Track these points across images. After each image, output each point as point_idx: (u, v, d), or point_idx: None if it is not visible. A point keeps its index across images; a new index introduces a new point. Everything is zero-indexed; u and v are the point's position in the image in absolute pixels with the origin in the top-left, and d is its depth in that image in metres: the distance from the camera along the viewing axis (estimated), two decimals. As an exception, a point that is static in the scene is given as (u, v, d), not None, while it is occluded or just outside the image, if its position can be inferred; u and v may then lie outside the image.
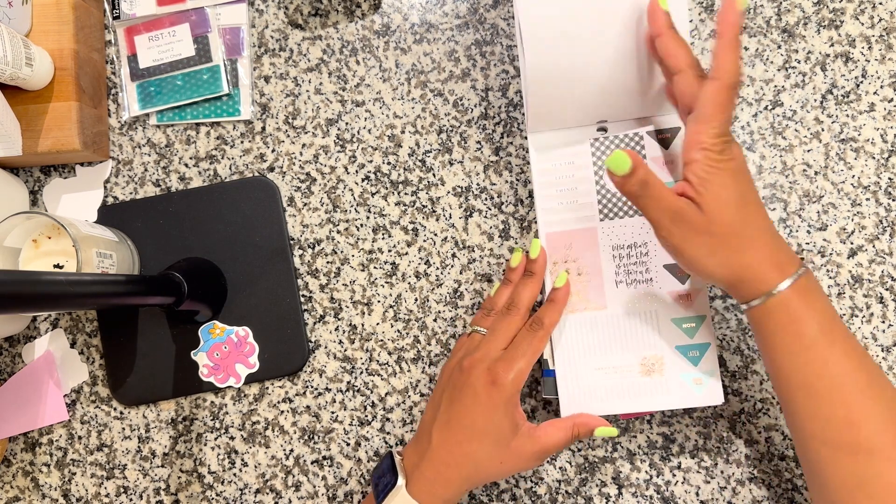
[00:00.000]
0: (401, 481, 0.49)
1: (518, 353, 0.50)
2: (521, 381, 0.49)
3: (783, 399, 0.46)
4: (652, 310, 0.54)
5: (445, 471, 0.49)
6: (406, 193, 0.62)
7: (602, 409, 0.53)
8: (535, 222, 0.61)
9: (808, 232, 0.59)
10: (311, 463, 0.61)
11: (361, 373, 0.62)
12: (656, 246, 0.54)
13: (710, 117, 0.44)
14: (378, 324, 0.62)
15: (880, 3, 0.60)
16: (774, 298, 0.44)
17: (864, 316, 0.58)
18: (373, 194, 0.63)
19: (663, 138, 0.55)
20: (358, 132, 0.63)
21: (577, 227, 0.55)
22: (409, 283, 0.62)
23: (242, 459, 0.62)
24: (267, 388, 0.62)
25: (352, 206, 0.63)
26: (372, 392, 0.61)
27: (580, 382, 0.53)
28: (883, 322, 0.58)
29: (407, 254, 0.62)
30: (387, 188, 0.63)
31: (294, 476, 0.62)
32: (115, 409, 0.63)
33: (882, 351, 0.58)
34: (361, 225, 0.63)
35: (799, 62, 0.60)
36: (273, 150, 0.64)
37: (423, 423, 0.53)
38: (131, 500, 0.62)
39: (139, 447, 0.63)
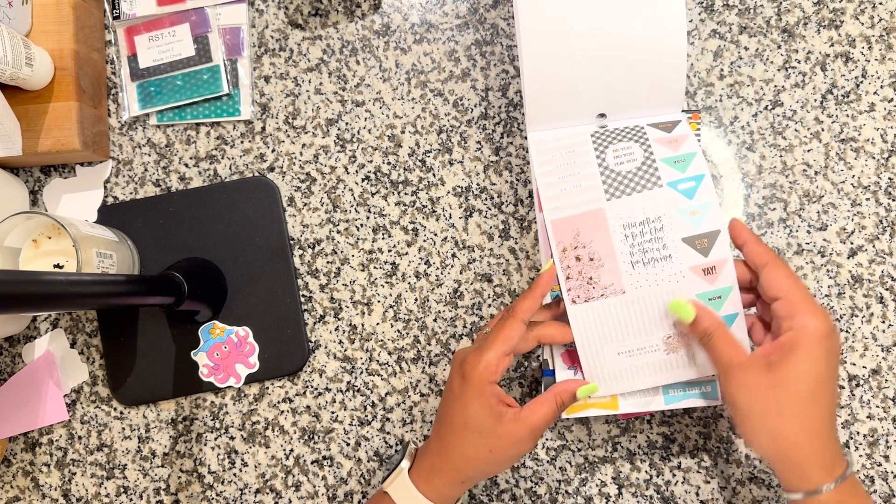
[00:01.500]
0: (404, 464, 0.51)
1: (486, 343, 0.49)
2: (489, 370, 0.48)
3: None
4: (674, 288, 0.51)
5: (438, 461, 0.50)
6: (406, 193, 0.62)
7: (625, 388, 0.52)
8: (535, 222, 0.61)
9: (808, 232, 0.59)
10: (311, 463, 0.61)
11: (361, 373, 0.62)
12: (671, 219, 0.51)
13: (792, 288, 0.46)
14: (378, 324, 0.62)
15: (880, 3, 0.60)
16: (813, 499, 0.44)
17: (864, 316, 0.58)
18: (373, 194, 0.63)
19: (664, 129, 0.54)
20: (358, 132, 0.63)
21: (583, 210, 0.52)
22: (409, 283, 0.62)
23: (242, 459, 0.62)
24: (267, 388, 0.62)
25: (352, 206, 0.63)
26: (372, 392, 0.61)
27: (604, 370, 0.52)
28: (883, 322, 0.58)
29: (407, 254, 0.62)
30: (387, 188, 0.63)
31: (294, 476, 0.62)
32: (115, 409, 0.63)
33: (882, 351, 0.58)
34: (361, 225, 0.63)
35: (799, 62, 0.60)
36: (273, 150, 0.64)
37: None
38: (131, 500, 0.62)
39: (139, 447, 0.63)
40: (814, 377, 0.44)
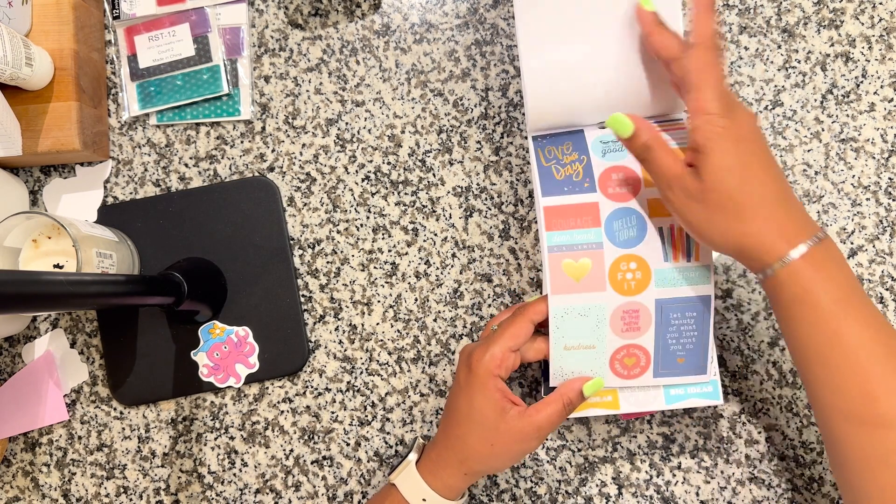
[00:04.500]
0: (411, 456, 0.52)
1: (493, 337, 0.49)
2: (494, 363, 0.48)
3: (801, 371, 0.46)
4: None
5: (444, 453, 0.51)
6: (406, 193, 0.62)
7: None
8: (535, 222, 0.61)
9: (808, 232, 0.59)
10: (311, 463, 0.61)
11: (361, 373, 0.62)
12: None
13: (700, 82, 0.44)
14: (378, 324, 0.62)
15: (880, 3, 0.60)
16: (784, 269, 0.43)
17: (864, 316, 0.58)
18: (373, 194, 0.63)
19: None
20: (358, 132, 0.63)
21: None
22: (409, 283, 0.62)
23: (242, 459, 0.62)
24: (267, 388, 0.62)
25: (352, 206, 0.63)
26: (372, 392, 0.61)
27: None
28: (883, 322, 0.58)
29: (407, 254, 0.62)
30: (387, 188, 0.63)
31: (294, 476, 0.62)
32: (115, 409, 0.63)
33: (882, 351, 0.58)
34: (361, 225, 0.63)
35: (799, 62, 0.60)
36: (273, 150, 0.64)
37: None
38: (131, 500, 0.62)
39: (139, 447, 0.63)
40: (735, 168, 0.43)
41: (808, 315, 0.44)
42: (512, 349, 0.49)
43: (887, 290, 0.58)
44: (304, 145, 0.63)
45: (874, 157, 0.59)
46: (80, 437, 0.63)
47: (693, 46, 0.45)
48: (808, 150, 0.60)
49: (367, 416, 0.61)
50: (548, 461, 0.60)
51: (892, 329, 0.44)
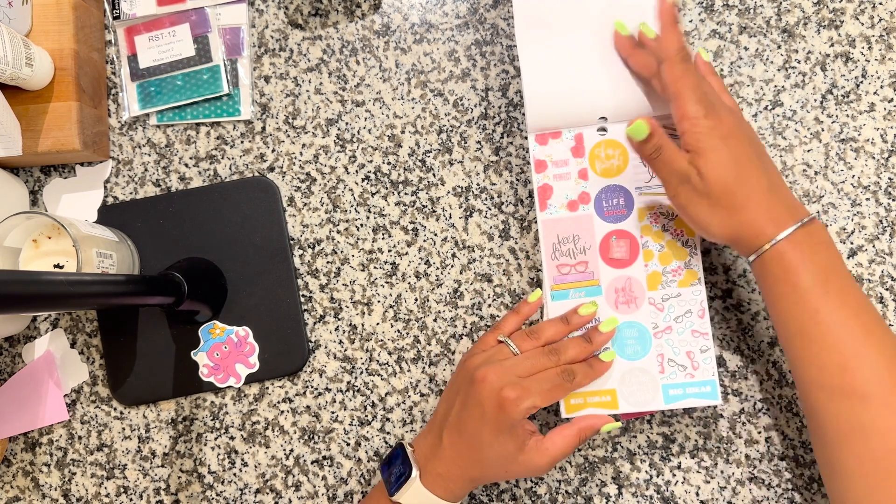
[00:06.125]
0: (415, 473, 0.51)
1: (535, 388, 0.49)
2: (528, 413, 0.49)
3: (784, 348, 0.49)
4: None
5: (454, 468, 0.50)
6: (406, 193, 0.62)
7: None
8: (535, 222, 0.61)
9: (808, 232, 0.59)
10: (311, 463, 0.61)
11: (361, 373, 0.62)
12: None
13: (678, 91, 0.48)
14: (378, 324, 0.62)
15: (880, 3, 0.60)
16: (769, 251, 0.46)
17: (864, 316, 0.58)
18: (373, 194, 0.63)
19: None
20: (358, 132, 0.63)
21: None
22: (409, 283, 0.62)
23: (242, 459, 0.62)
24: (267, 388, 0.62)
25: (352, 206, 0.63)
26: (372, 392, 0.61)
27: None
28: (883, 322, 0.58)
29: (407, 254, 0.62)
30: (387, 188, 0.63)
31: (294, 476, 0.62)
32: (115, 409, 0.63)
33: (882, 351, 0.58)
34: (361, 225, 0.63)
35: (799, 62, 0.60)
36: (273, 150, 0.64)
37: (436, 416, 0.54)
38: (131, 500, 0.62)
39: (139, 447, 0.63)
40: (729, 163, 0.47)
41: (790, 293, 0.47)
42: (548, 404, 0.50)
43: (887, 289, 0.58)
44: (304, 145, 0.63)
45: (874, 157, 0.59)
46: (80, 437, 0.63)
47: (665, 62, 0.48)
48: (808, 150, 0.60)
49: (367, 416, 0.61)
50: (548, 461, 0.60)
51: (872, 308, 0.46)
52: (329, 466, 0.61)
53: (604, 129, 0.56)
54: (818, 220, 0.47)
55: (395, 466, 0.52)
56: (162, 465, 0.62)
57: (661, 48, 0.49)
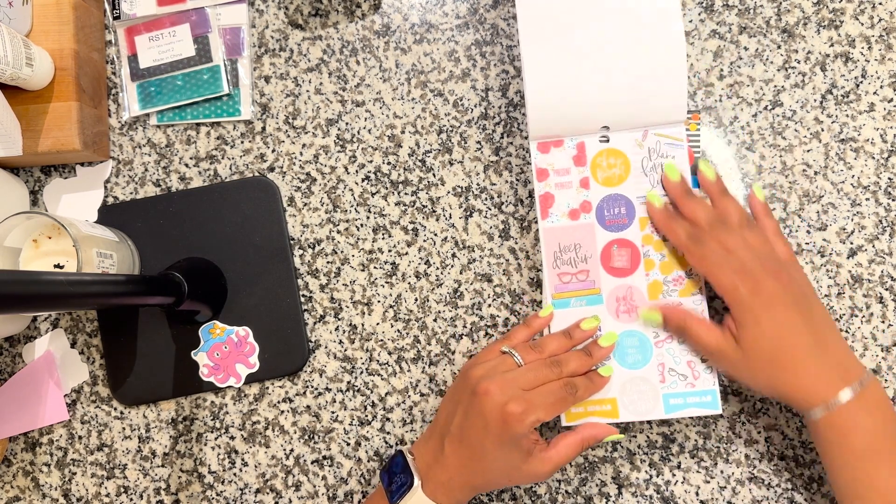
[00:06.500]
0: (417, 482, 0.50)
1: (539, 401, 0.49)
2: (533, 426, 0.49)
3: None
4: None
5: (457, 477, 0.50)
6: (406, 193, 0.62)
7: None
8: (535, 222, 0.61)
9: (808, 232, 0.59)
10: (311, 463, 0.61)
11: (361, 373, 0.62)
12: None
13: (706, 272, 0.50)
14: (378, 324, 0.62)
15: (880, 3, 0.60)
16: (825, 415, 0.47)
17: (863, 316, 0.58)
18: (373, 194, 0.63)
19: None
20: (358, 132, 0.63)
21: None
22: (409, 283, 0.62)
23: (242, 459, 0.62)
24: (267, 387, 0.62)
25: (352, 206, 0.63)
26: (372, 392, 0.61)
27: None
28: (883, 322, 0.58)
29: (407, 254, 0.62)
30: (387, 188, 0.63)
31: (294, 476, 0.62)
32: (115, 408, 0.63)
33: (882, 351, 0.58)
34: (361, 225, 0.63)
35: (799, 62, 0.60)
36: (273, 150, 0.64)
37: (437, 422, 0.53)
38: (131, 499, 0.62)
39: (139, 447, 0.63)
40: (769, 333, 0.48)
41: (844, 457, 0.47)
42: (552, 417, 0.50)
43: (887, 289, 0.58)
44: (304, 145, 0.63)
45: (874, 157, 0.59)
46: (80, 437, 0.63)
47: (688, 243, 0.51)
48: (808, 150, 0.60)
49: (367, 415, 0.61)
50: (548, 461, 0.60)
51: None
52: (329, 466, 0.61)
53: (606, 138, 0.56)
54: (873, 378, 0.47)
55: (397, 476, 0.52)
56: (162, 465, 0.62)
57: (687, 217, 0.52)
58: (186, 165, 0.64)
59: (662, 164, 0.55)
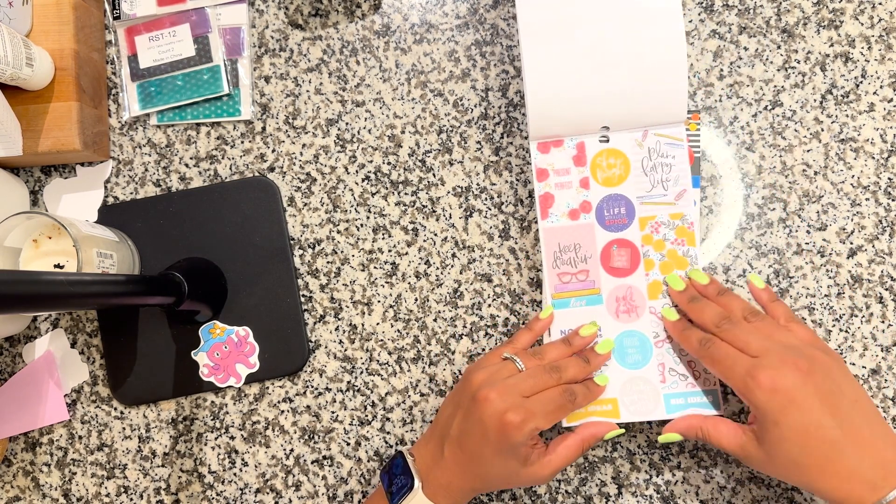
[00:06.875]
0: (418, 484, 0.51)
1: (539, 409, 0.49)
2: (531, 434, 0.49)
3: None
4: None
5: (457, 480, 0.51)
6: (406, 193, 0.62)
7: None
8: (536, 222, 0.61)
9: (808, 232, 0.59)
10: (312, 463, 0.61)
11: (361, 373, 0.62)
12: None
13: (721, 374, 0.49)
14: (378, 324, 0.62)
15: (880, 3, 0.60)
16: None
17: (863, 316, 0.58)
18: (373, 194, 0.63)
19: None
20: (358, 132, 0.63)
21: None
22: (409, 283, 0.62)
23: (243, 459, 0.62)
24: (267, 387, 0.62)
25: (352, 206, 0.63)
26: (372, 392, 0.61)
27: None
28: (882, 322, 0.58)
29: (407, 254, 0.62)
30: (387, 188, 0.63)
31: (294, 476, 0.62)
32: (115, 408, 0.63)
33: (882, 351, 0.58)
34: (361, 225, 0.63)
35: (799, 62, 0.60)
36: (273, 150, 0.64)
37: (437, 423, 0.54)
38: (132, 499, 0.62)
39: (139, 447, 0.63)
40: (793, 437, 0.45)
41: None
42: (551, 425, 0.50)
43: (887, 289, 0.58)
44: (304, 145, 0.63)
45: (874, 157, 0.59)
46: (80, 437, 0.63)
47: (698, 346, 0.50)
48: (808, 150, 0.60)
49: (367, 415, 0.61)
50: (548, 461, 0.60)
51: None
52: (329, 466, 0.61)
53: (605, 138, 0.56)
54: None
55: (397, 477, 0.52)
56: (162, 465, 0.62)
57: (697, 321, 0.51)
58: (186, 165, 0.64)
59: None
